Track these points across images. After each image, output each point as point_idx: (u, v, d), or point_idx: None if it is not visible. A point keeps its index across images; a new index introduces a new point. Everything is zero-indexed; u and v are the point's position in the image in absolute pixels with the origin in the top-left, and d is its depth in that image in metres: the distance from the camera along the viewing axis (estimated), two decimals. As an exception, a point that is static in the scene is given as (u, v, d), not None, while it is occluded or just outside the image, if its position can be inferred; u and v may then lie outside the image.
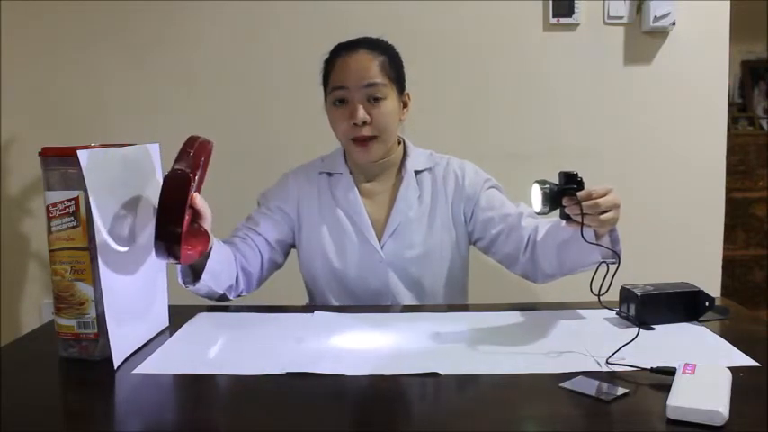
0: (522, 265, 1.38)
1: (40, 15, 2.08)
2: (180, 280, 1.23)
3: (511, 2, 2.06)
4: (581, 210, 1.02)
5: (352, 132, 1.36)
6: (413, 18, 2.03)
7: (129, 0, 2.06)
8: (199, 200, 1.12)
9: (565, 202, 1.05)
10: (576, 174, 1.05)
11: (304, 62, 2.04)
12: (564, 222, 1.08)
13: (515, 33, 2.07)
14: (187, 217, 1.05)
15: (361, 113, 1.34)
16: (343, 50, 1.39)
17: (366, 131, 1.35)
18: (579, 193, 1.03)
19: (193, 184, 1.04)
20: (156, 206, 1.00)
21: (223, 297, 1.34)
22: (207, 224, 1.15)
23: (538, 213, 1.07)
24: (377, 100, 1.35)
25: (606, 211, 1.05)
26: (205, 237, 1.14)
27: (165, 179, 1.01)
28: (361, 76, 1.34)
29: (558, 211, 1.08)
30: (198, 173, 1.07)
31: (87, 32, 2.08)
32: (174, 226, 0.99)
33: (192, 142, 1.08)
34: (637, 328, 1.00)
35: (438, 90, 2.04)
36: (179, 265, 1.20)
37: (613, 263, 1.04)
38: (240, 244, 1.38)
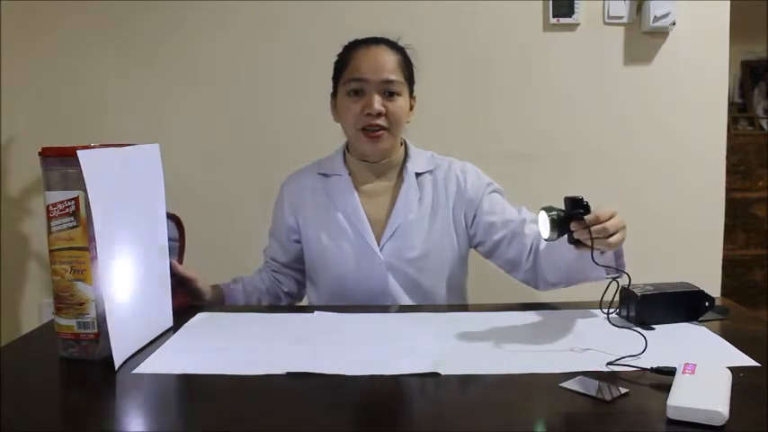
0: (523, 273, 1.39)
1: (40, 15, 2.07)
2: None
3: (511, 2, 2.06)
4: (590, 234, 1.03)
5: (363, 121, 1.36)
6: (412, 18, 2.03)
7: (129, 0, 2.06)
8: (180, 269, 1.29)
9: (573, 227, 1.05)
10: (582, 198, 1.05)
11: (305, 63, 2.05)
12: (573, 245, 1.08)
13: (515, 33, 2.07)
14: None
15: (378, 104, 1.35)
16: (363, 44, 1.41)
17: (380, 121, 1.36)
18: (587, 218, 1.03)
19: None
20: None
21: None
22: (199, 284, 1.32)
23: (546, 240, 1.07)
24: (392, 95, 1.37)
25: (614, 233, 1.05)
26: (185, 297, 1.31)
27: None
28: (380, 70, 1.36)
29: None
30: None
31: (87, 32, 2.08)
32: None
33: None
34: (641, 333, 0.99)
35: (438, 90, 2.04)
36: None
37: (618, 277, 1.05)
38: (273, 278, 1.51)
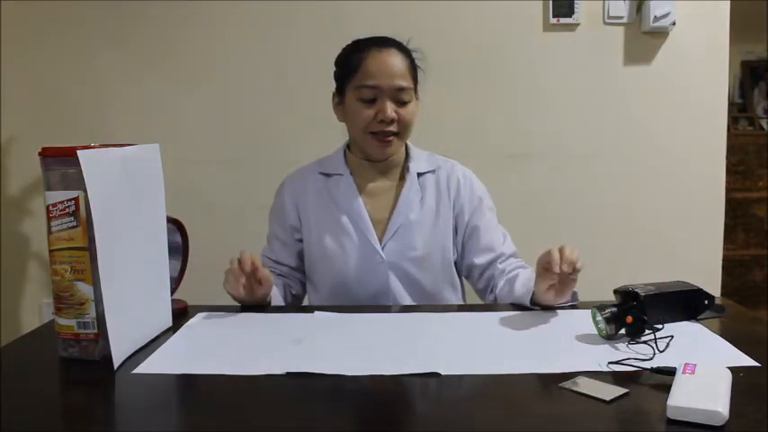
0: (478, 290, 1.48)
1: (41, 15, 2.08)
2: None
3: (511, 2, 2.06)
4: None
5: (374, 126, 1.36)
6: (413, 18, 2.03)
7: (129, 0, 2.06)
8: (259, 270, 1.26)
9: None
10: (636, 292, 1.08)
11: (305, 64, 2.05)
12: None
13: (515, 33, 2.07)
14: None
15: (391, 111, 1.35)
16: (374, 47, 1.38)
17: (391, 128, 1.36)
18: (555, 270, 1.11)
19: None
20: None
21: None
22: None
23: (606, 338, 1.05)
24: (403, 103, 1.37)
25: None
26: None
27: None
28: (392, 76, 1.36)
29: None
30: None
31: (87, 32, 2.08)
32: None
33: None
34: (652, 346, 1.00)
35: (438, 90, 2.02)
36: None
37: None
38: (285, 282, 1.47)
